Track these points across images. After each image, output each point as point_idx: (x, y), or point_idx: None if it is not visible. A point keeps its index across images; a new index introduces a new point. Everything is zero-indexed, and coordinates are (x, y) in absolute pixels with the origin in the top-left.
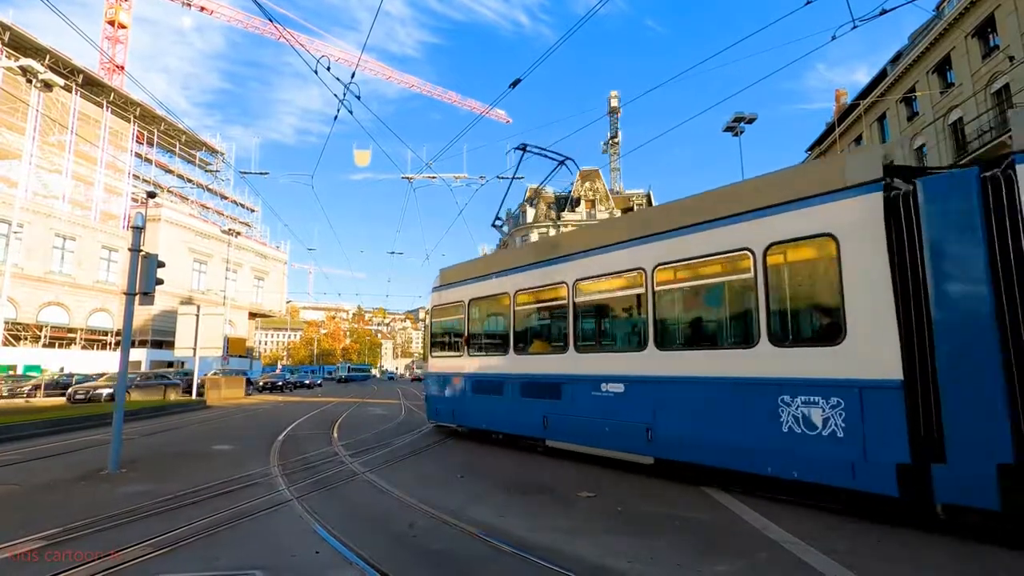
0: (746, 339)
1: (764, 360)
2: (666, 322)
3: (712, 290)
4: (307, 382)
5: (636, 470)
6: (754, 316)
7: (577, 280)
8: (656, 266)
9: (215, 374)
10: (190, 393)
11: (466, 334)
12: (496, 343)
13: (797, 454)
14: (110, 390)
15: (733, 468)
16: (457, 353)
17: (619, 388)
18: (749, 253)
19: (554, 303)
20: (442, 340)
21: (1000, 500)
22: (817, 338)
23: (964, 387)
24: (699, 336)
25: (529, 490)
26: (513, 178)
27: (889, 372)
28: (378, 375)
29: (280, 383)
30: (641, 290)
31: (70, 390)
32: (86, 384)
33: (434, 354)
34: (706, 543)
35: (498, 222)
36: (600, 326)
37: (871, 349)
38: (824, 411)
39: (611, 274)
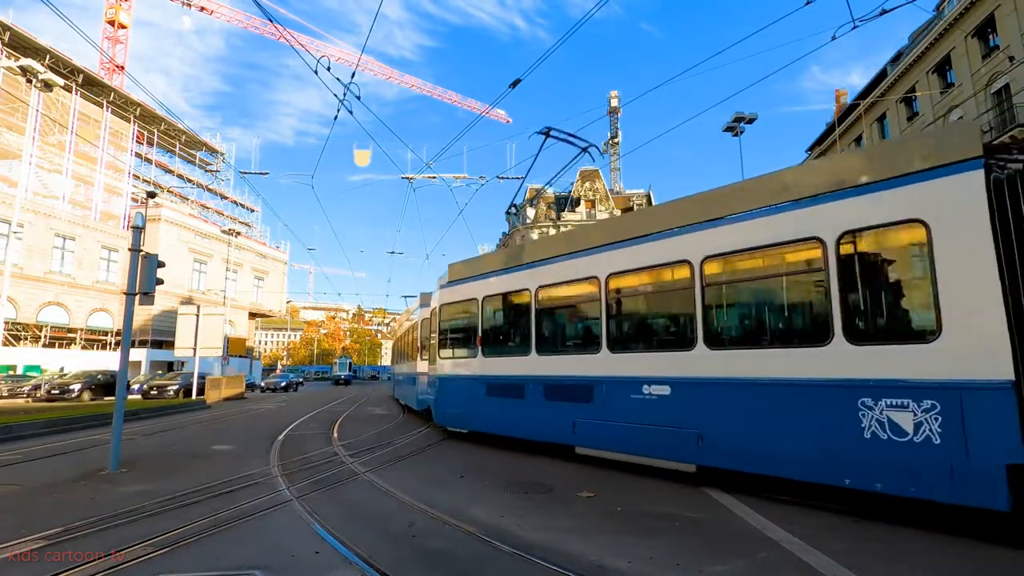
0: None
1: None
2: None
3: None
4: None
5: (635, 470)
6: (828, 309)
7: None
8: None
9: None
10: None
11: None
12: None
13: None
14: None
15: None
16: None
17: None
18: (818, 243)
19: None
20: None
21: None
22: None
23: None
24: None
25: (529, 490)
26: (533, 163)
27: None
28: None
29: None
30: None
31: (44, 387)
32: (59, 381)
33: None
34: (706, 543)
35: (512, 210)
36: None
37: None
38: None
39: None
